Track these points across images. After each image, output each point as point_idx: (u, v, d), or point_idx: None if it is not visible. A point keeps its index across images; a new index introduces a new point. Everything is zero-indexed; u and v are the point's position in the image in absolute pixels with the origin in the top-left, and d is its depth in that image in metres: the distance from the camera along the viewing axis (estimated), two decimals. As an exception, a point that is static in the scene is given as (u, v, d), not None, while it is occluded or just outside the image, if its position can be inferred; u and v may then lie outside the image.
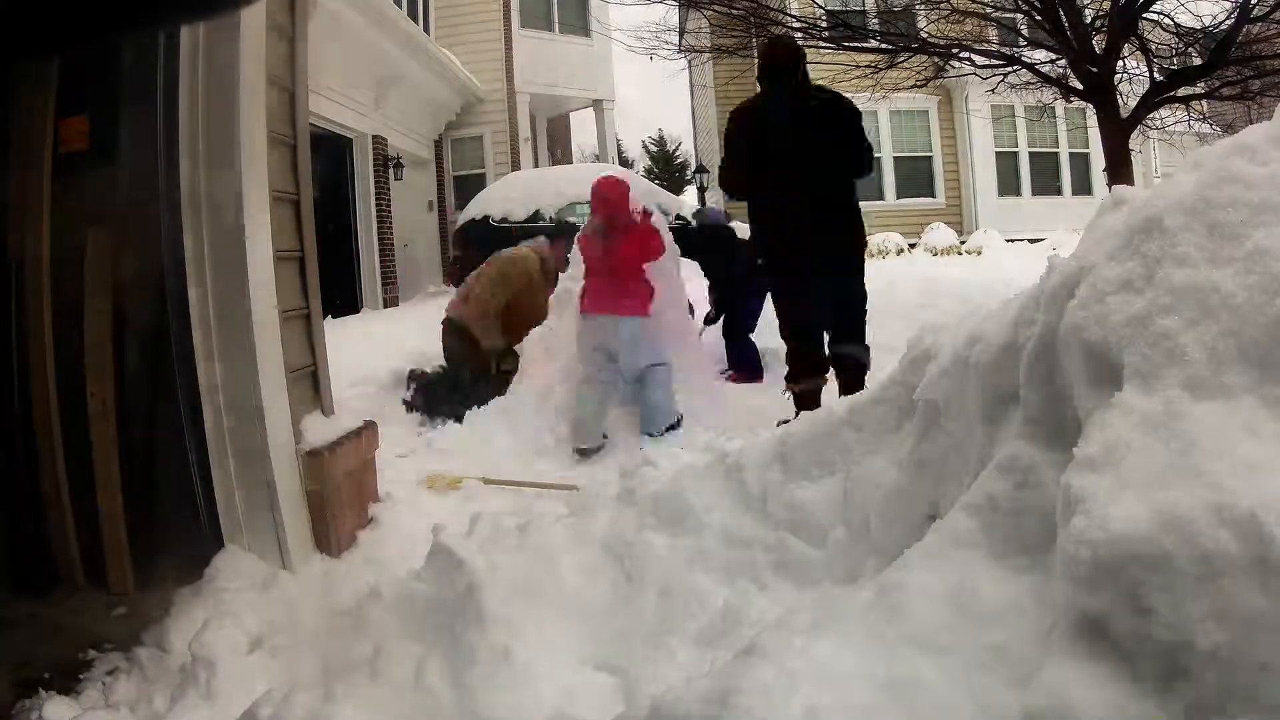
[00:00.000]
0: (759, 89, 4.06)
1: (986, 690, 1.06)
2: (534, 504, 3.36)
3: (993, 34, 9.75)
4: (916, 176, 14.91)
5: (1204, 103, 9.26)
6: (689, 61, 12.68)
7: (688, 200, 13.69)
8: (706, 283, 5.97)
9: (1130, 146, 7.66)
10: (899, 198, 14.73)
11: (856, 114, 3.93)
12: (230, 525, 2.58)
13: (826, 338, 3.93)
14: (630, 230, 4.34)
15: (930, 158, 15.11)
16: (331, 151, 9.85)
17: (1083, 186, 14.93)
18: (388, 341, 6.18)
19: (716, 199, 18.52)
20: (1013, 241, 13.00)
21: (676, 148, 35.51)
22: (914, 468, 1.69)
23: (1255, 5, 7.07)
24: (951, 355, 1.60)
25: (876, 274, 5.73)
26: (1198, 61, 7.66)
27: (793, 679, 1.13)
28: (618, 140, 18.85)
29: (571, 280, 4.75)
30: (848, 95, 4.12)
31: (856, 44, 8.97)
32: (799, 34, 8.65)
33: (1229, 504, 0.89)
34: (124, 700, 2.03)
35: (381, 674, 1.89)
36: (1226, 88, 7.87)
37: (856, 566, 1.71)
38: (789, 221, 3.81)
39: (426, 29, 12.64)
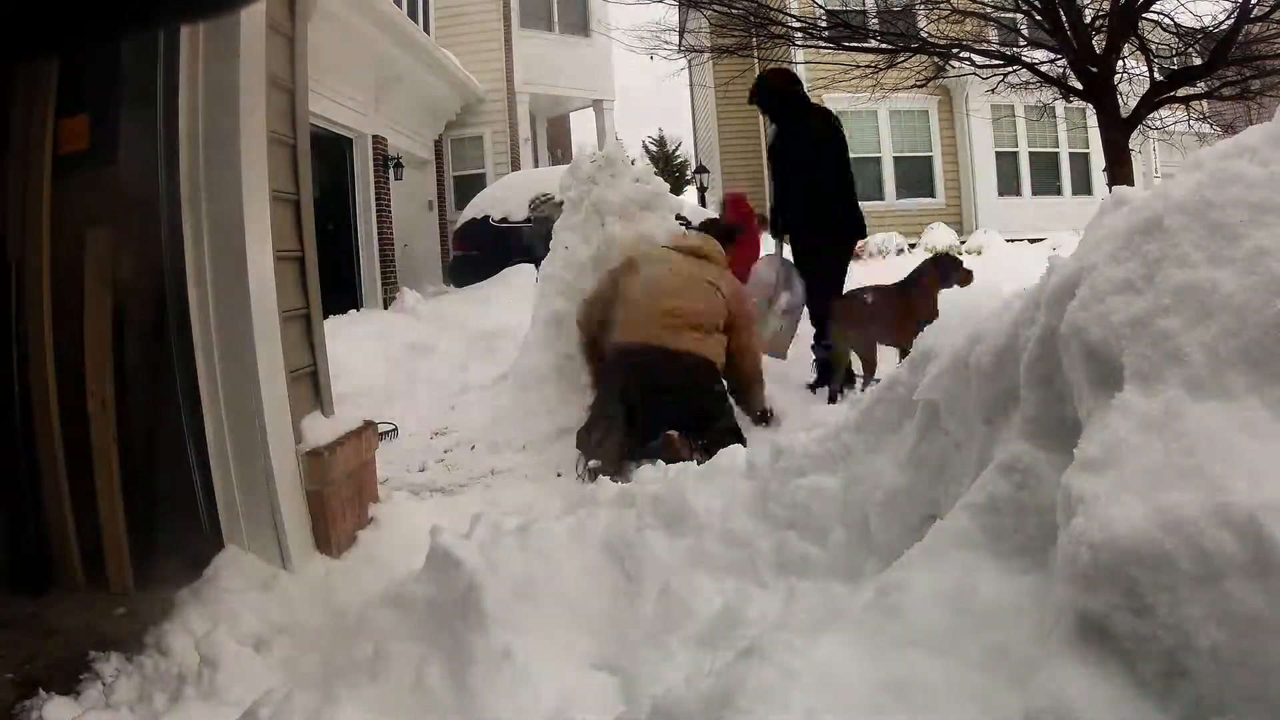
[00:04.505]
0: None
1: (986, 690, 1.06)
2: (534, 504, 3.36)
3: (993, 34, 9.74)
4: (916, 176, 14.93)
5: (1204, 103, 9.25)
6: (689, 61, 12.68)
7: (688, 200, 13.68)
8: None
9: (1130, 146, 7.66)
10: (899, 198, 14.74)
11: None
12: (230, 525, 2.58)
13: None
14: None
15: (930, 158, 15.12)
16: (331, 151, 9.85)
17: (1083, 186, 14.95)
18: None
19: (717, 198, 18.51)
20: (1013, 241, 13.00)
21: (676, 148, 35.53)
22: (914, 468, 1.69)
23: (1255, 5, 7.07)
24: (951, 355, 1.60)
25: (874, 274, 5.68)
26: (1198, 61, 7.66)
27: (793, 679, 1.13)
28: (618, 140, 18.82)
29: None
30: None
31: (856, 44, 8.96)
32: (799, 34, 8.64)
33: (1229, 505, 0.89)
34: (124, 700, 2.02)
35: (382, 674, 1.89)
36: (1226, 88, 7.87)
37: (856, 566, 1.71)
38: None
39: (426, 29, 12.63)
